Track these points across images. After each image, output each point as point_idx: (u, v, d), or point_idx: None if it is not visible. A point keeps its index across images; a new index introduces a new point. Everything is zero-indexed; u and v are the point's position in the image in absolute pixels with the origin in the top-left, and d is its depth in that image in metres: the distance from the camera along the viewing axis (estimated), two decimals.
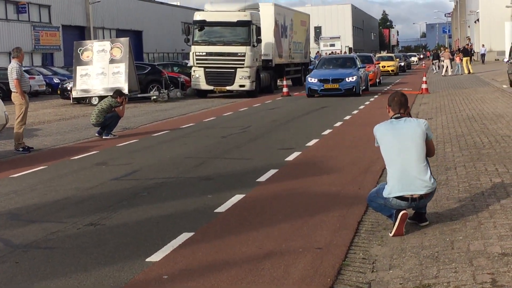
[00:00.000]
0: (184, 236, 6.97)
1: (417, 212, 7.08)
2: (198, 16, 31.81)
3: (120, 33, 61.70)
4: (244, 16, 31.09)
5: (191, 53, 31.72)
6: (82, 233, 7.32)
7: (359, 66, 30.33)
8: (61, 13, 57.54)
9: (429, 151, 7.04)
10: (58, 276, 5.90)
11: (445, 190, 8.56)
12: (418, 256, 6.06)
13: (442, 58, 50.27)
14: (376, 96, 28.24)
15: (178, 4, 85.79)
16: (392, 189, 6.81)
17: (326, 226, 7.27)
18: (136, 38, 65.49)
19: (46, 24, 55.71)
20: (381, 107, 22.53)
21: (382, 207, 7.03)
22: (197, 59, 31.21)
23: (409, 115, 7.21)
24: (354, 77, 28.27)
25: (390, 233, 6.84)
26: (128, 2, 68.88)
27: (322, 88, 28.03)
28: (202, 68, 31.15)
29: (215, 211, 8.10)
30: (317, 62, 33.87)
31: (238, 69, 30.71)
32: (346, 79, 28.07)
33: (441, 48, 63.84)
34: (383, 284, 5.53)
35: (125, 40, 28.88)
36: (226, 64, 30.88)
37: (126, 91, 23.57)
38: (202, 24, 31.30)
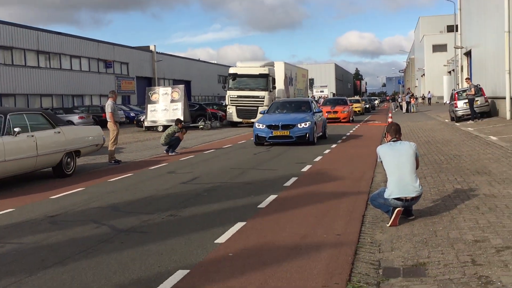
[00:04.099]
0: (239, 225, 6.70)
1: (406, 209, 6.79)
2: (231, 70, 31.87)
3: (176, 82, 61.73)
4: (264, 71, 31.12)
5: (226, 96, 31.66)
6: (165, 221, 7.07)
7: (314, 111, 19.11)
8: (136, 68, 57.62)
9: (417, 165, 6.80)
10: (153, 252, 5.66)
11: None
12: (412, 241, 5.78)
13: (400, 101, 49.89)
14: (343, 138, 26.12)
15: (215, 62, 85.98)
16: (392, 192, 6.54)
17: (340, 218, 7.00)
18: (186, 86, 65.29)
19: (125, 76, 55.72)
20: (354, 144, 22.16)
21: (381, 205, 6.76)
22: (230, 100, 31.25)
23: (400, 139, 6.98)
24: (307, 123, 17.47)
25: (387, 224, 6.56)
26: (181, 61, 68.99)
27: (271, 135, 17.38)
28: (234, 106, 31.10)
29: (258, 206, 7.84)
30: (269, 106, 21.59)
31: (259, 107, 30.54)
32: (298, 125, 17.39)
33: (398, 94, 63.42)
34: (389, 262, 5.25)
35: (181, 86, 29.07)
36: (251, 103, 30.84)
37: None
38: (234, 76, 31.40)
